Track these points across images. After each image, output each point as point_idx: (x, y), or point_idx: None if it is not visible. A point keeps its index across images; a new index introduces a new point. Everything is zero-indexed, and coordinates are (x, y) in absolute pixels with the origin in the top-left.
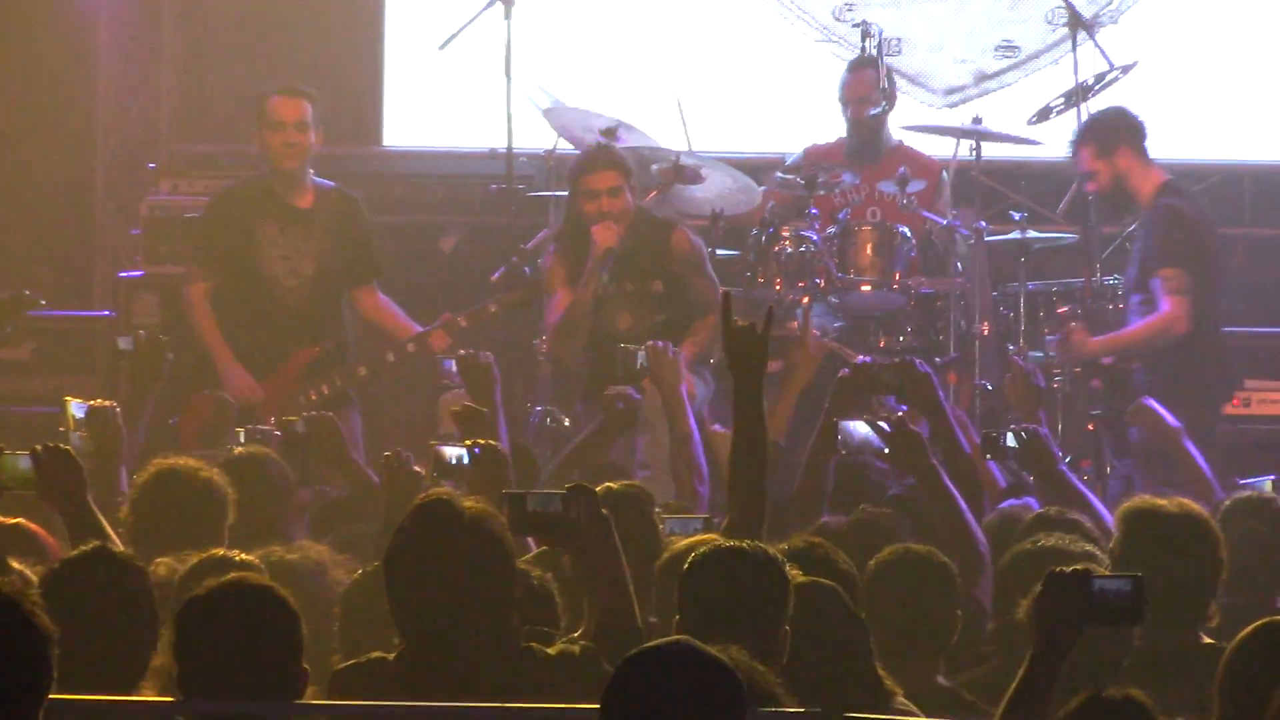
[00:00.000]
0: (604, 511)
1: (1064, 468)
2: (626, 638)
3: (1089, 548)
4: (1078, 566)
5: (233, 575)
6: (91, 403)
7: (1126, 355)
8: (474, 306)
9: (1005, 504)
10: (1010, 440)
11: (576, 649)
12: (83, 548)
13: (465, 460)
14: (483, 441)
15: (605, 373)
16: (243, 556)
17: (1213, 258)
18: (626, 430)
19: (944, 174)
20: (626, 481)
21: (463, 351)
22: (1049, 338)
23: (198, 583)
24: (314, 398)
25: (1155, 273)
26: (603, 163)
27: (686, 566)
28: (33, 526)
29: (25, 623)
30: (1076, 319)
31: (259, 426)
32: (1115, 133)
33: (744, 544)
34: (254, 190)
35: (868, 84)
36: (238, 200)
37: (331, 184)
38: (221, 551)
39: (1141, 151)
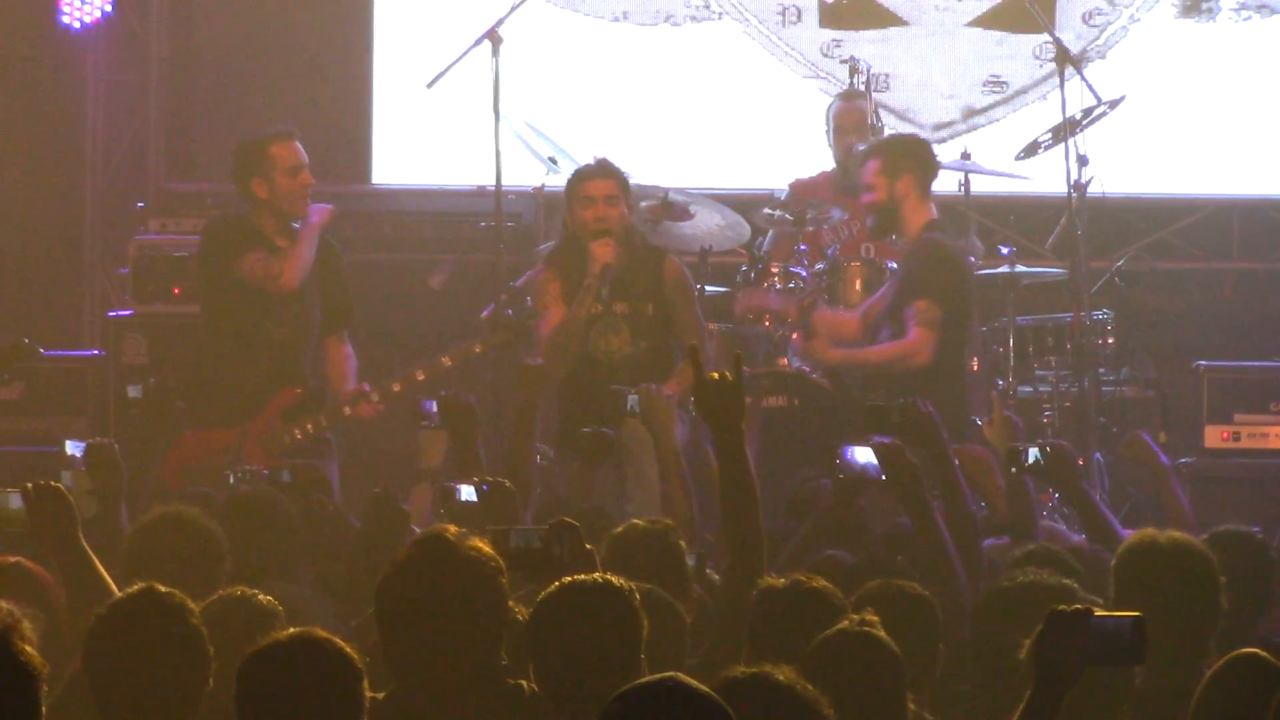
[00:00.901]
0: (588, 548)
1: (1086, 485)
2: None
3: (1067, 582)
4: (1078, 605)
5: (296, 631)
6: (89, 441)
7: (861, 373)
8: (458, 346)
9: (985, 542)
10: (1034, 456)
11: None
12: (130, 590)
13: (474, 497)
14: (491, 479)
15: (587, 392)
16: (265, 597)
17: (968, 300)
18: (601, 462)
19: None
20: (652, 520)
21: (443, 392)
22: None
23: (220, 620)
24: (299, 436)
25: (910, 303)
26: (601, 172)
27: (535, 608)
28: (31, 565)
29: (12, 659)
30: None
31: (247, 468)
32: (907, 158)
33: (592, 580)
34: (242, 227)
35: (859, 114)
36: (228, 229)
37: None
38: (241, 590)
39: (924, 187)
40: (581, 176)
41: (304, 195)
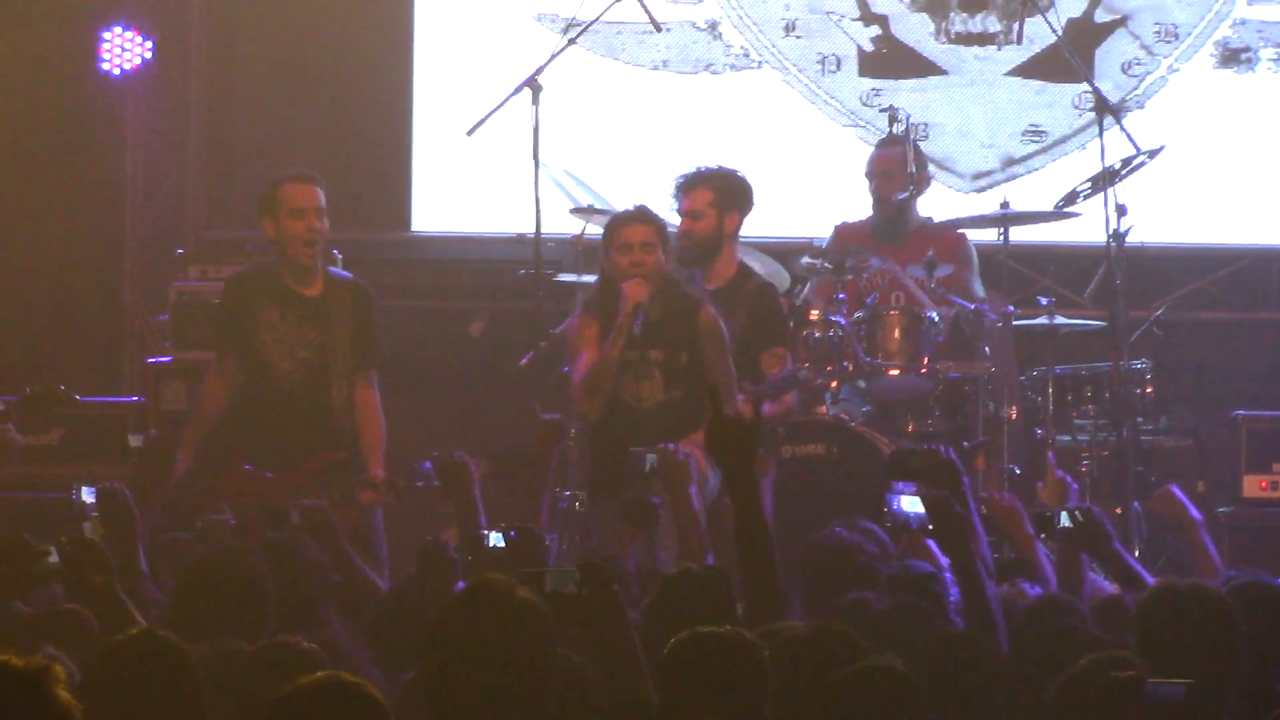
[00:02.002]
0: (615, 588)
1: (1119, 547)
2: (639, 713)
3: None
4: (1131, 673)
5: (324, 674)
6: (100, 486)
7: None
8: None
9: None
10: (1065, 520)
11: None
12: (129, 631)
13: (502, 544)
14: (520, 526)
15: (619, 440)
16: (307, 644)
17: None
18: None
19: (966, 239)
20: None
21: (436, 452)
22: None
23: (265, 669)
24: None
25: (769, 349)
26: (638, 218)
27: (666, 651)
28: (85, 613)
29: (46, 701)
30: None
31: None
32: (741, 196)
33: (722, 630)
34: (263, 276)
35: (894, 160)
36: (246, 285)
37: (347, 275)
38: (283, 639)
39: (740, 229)
40: (619, 222)
41: (305, 240)
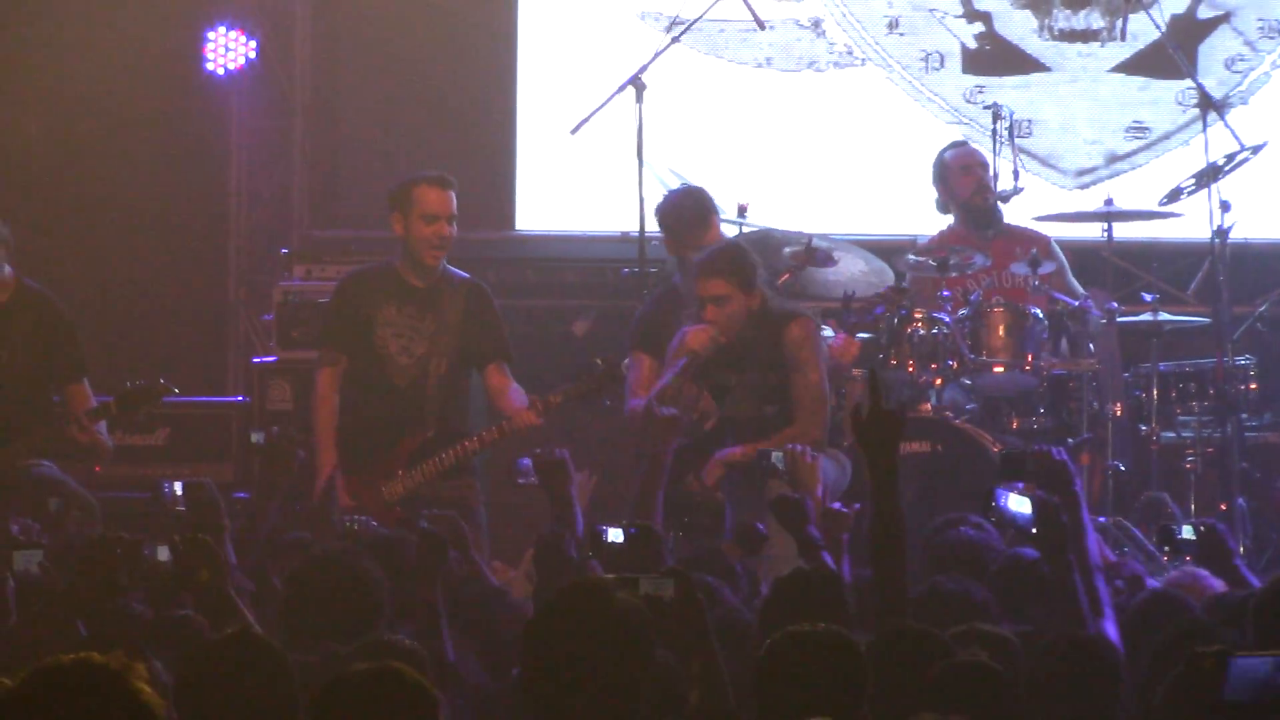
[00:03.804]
0: (698, 595)
1: (1239, 562)
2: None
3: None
4: (1218, 646)
5: (376, 665)
6: (187, 480)
7: None
8: (540, 397)
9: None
10: (1187, 533)
11: None
12: (227, 632)
13: (620, 539)
14: (639, 523)
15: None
16: (408, 642)
17: None
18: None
19: (1054, 245)
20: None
21: (538, 450)
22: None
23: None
24: (417, 480)
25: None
26: (714, 270)
27: (765, 649)
28: (197, 618)
29: (128, 698)
30: None
31: (358, 518)
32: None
33: (819, 628)
34: (380, 274)
35: (977, 154)
36: (363, 282)
37: (464, 274)
38: (386, 637)
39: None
40: (697, 271)
41: (433, 246)
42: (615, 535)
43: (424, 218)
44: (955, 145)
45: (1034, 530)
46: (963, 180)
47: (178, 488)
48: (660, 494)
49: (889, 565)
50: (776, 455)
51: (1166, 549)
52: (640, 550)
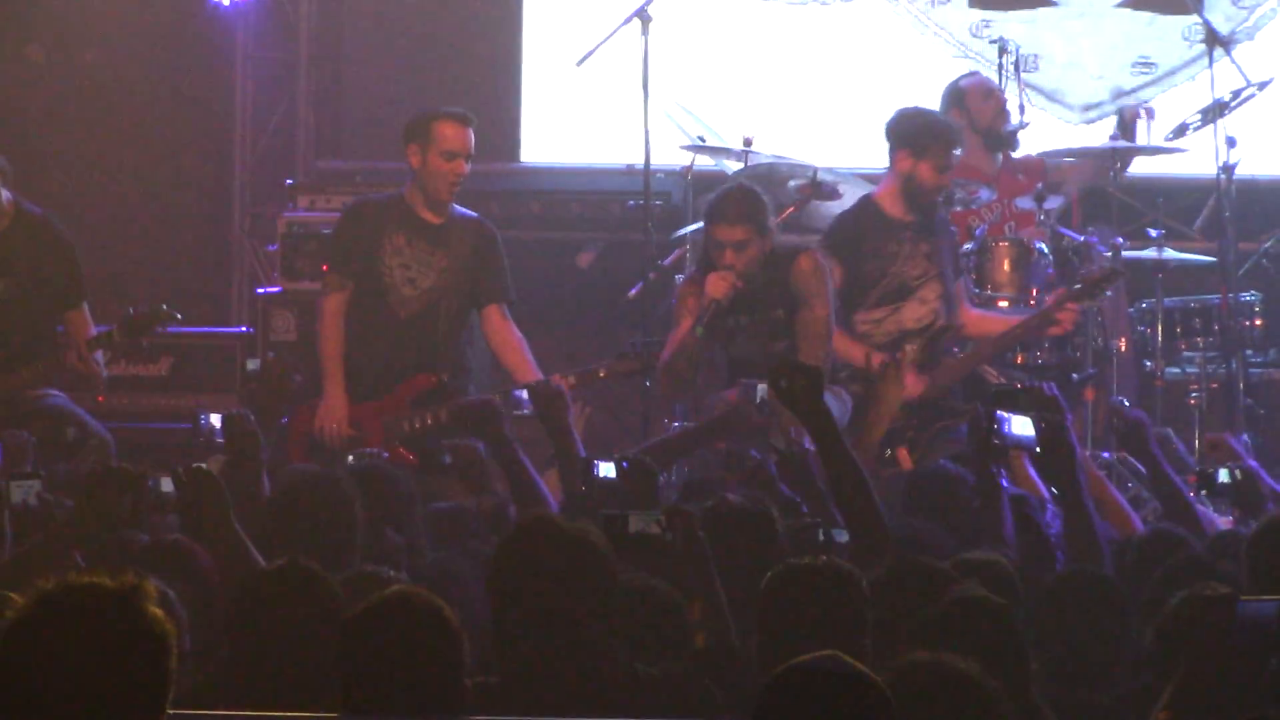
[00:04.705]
0: (700, 534)
1: (1273, 507)
2: (723, 657)
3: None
4: (1225, 590)
5: (396, 589)
6: (226, 413)
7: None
8: (583, 369)
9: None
10: (1224, 477)
11: (680, 668)
12: (277, 562)
13: (613, 474)
14: (632, 457)
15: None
16: (391, 572)
17: None
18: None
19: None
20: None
21: (533, 379)
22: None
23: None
24: (418, 425)
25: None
26: (733, 215)
27: (766, 583)
28: (189, 543)
29: (140, 622)
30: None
31: (367, 451)
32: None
33: (819, 560)
34: (391, 204)
35: (988, 83)
36: (372, 210)
37: (472, 213)
38: (370, 569)
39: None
40: (714, 215)
41: (449, 182)
42: (607, 470)
43: (443, 154)
44: (970, 75)
45: (1038, 450)
46: (984, 106)
47: (215, 419)
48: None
49: (856, 511)
50: (761, 388)
51: (1205, 493)
52: (633, 485)
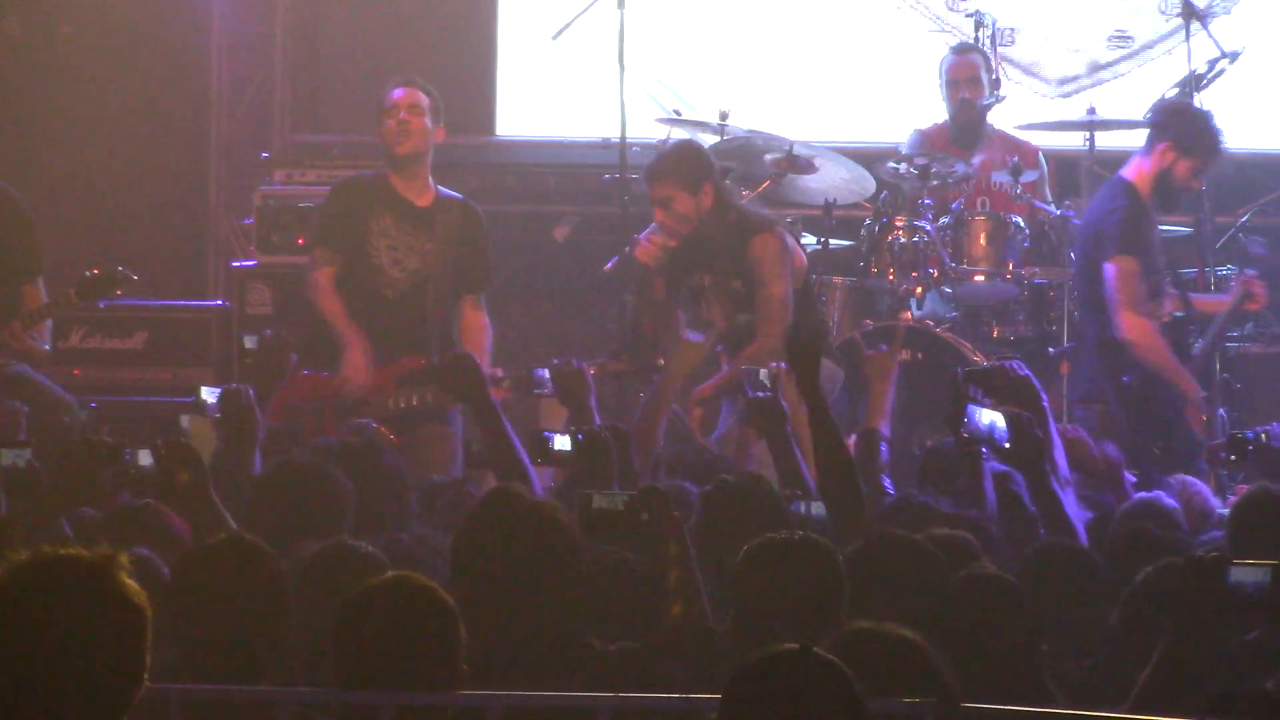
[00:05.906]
0: (675, 514)
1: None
2: (696, 638)
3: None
4: (1216, 553)
5: (393, 574)
6: (224, 388)
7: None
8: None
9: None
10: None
11: (637, 646)
12: (218, 536)
13: (567, 446)
14: (587, 429)
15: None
16: (368, 547)
17: None
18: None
19: (1040, 156)
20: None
21: (556, 360)
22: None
23: (324, 572)
24: (402, 405)
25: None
26: (657, 171)
27: (742, 557)
28: (163, 509)
29: (114, 593)
30: None
31: (359, 422)
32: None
33: (794, 535)
34: (375, 183)
35: (972, 67)
36: (359, 188)
37: (458, 195)
38: (344, 539)
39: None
40: (642, 175)
41: (398, 135)
42: (562, 443)
43: (385, 112)
44: (958, 51)
45: (1007, 445)
46: (949, 93)
47: (211, 394)
48: (667, 409)
49: (839, 484)
50: (764, 373)
51: (1234, 458)
52: (587, 457)
